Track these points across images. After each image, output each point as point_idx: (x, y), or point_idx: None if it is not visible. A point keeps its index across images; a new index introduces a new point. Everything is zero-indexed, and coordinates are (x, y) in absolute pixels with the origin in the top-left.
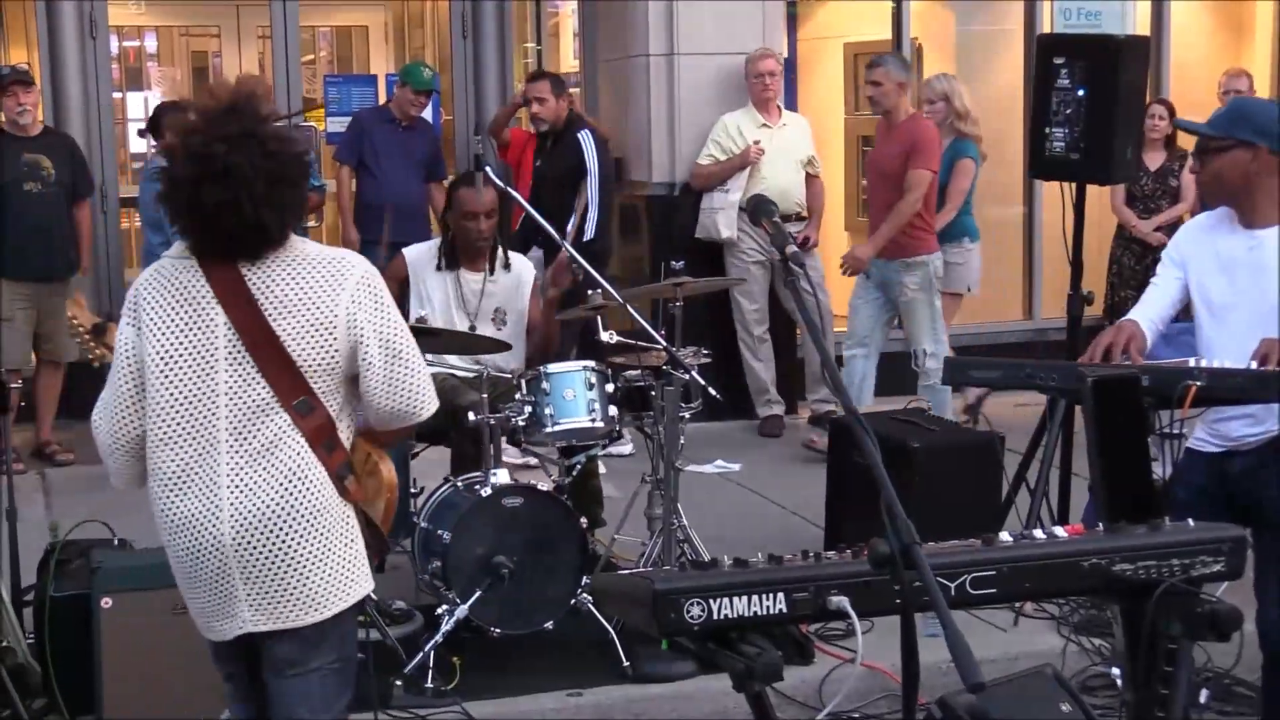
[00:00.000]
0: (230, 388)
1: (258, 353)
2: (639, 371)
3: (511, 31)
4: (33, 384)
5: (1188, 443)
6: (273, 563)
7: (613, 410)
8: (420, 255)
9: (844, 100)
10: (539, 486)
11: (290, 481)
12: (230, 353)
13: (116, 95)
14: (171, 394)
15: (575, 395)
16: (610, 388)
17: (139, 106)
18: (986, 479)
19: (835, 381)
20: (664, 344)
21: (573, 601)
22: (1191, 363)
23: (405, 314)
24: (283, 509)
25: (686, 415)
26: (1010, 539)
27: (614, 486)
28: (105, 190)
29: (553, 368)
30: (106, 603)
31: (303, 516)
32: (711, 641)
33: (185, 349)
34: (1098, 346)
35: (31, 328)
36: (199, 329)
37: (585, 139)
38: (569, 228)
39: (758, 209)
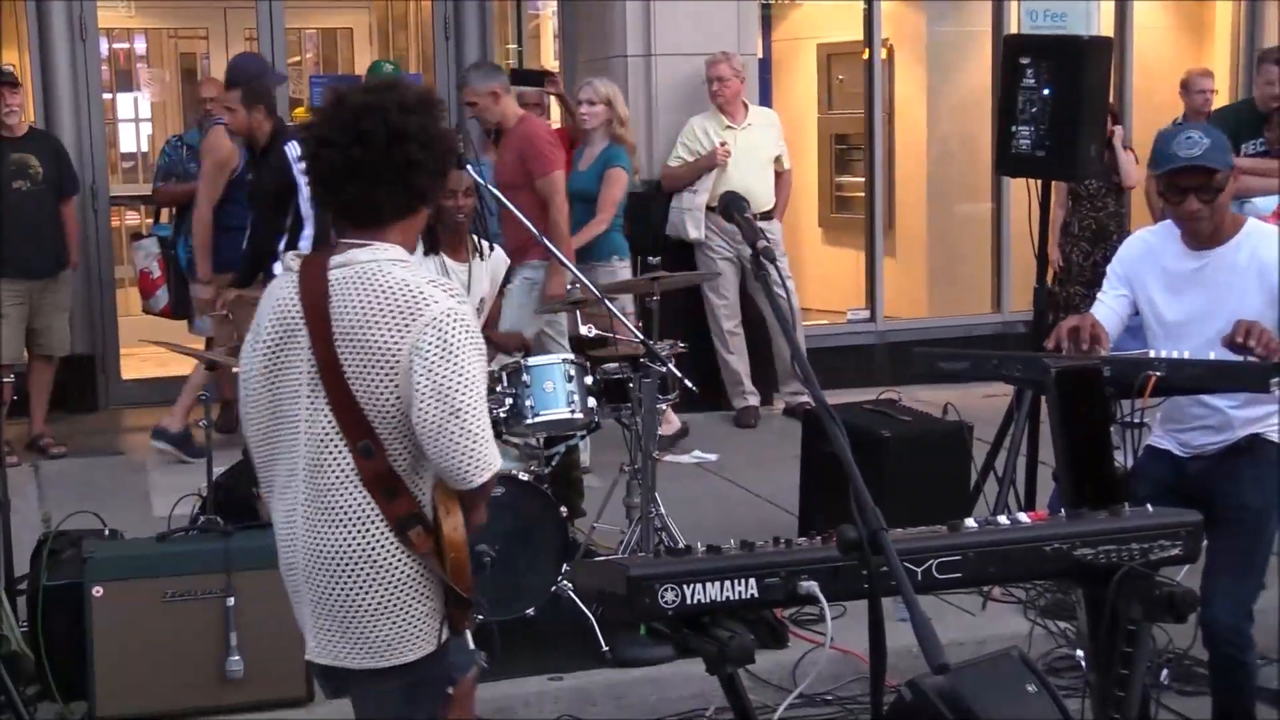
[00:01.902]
0: (308, 416)
1: (328, 385)
2: (617, 364)
3: (493, 33)
4: (25, 378)
5: (1149, 440)
6: (339, 604)
7: (592, 402)
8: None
9: (817, 99)
10: (520, 477)
11: (352, 528)
12: (310, 379)
13: (107, 96)
14: (269, 412)
15: (555, 387)
16: (589, 380)
17: (128, 107)
18: (955, 467)
19: (805, 373)
20: (641, 337)
21: (553, 589)
22: (1151, 354)
23: None
24: (346, 554)
25: (664, 407)
26: (975, 525)
27: (594, 476)
28: (96, 189)
29: (533, 361)
30: (98, 591)
31: (366, 565)
32: (685, 626)
33: (281, 367)
34: (1062, 330)
35: (24, 323)
36: (291, 350)
37: (291, 151)
38: (280, 249)
39: (729, 205)
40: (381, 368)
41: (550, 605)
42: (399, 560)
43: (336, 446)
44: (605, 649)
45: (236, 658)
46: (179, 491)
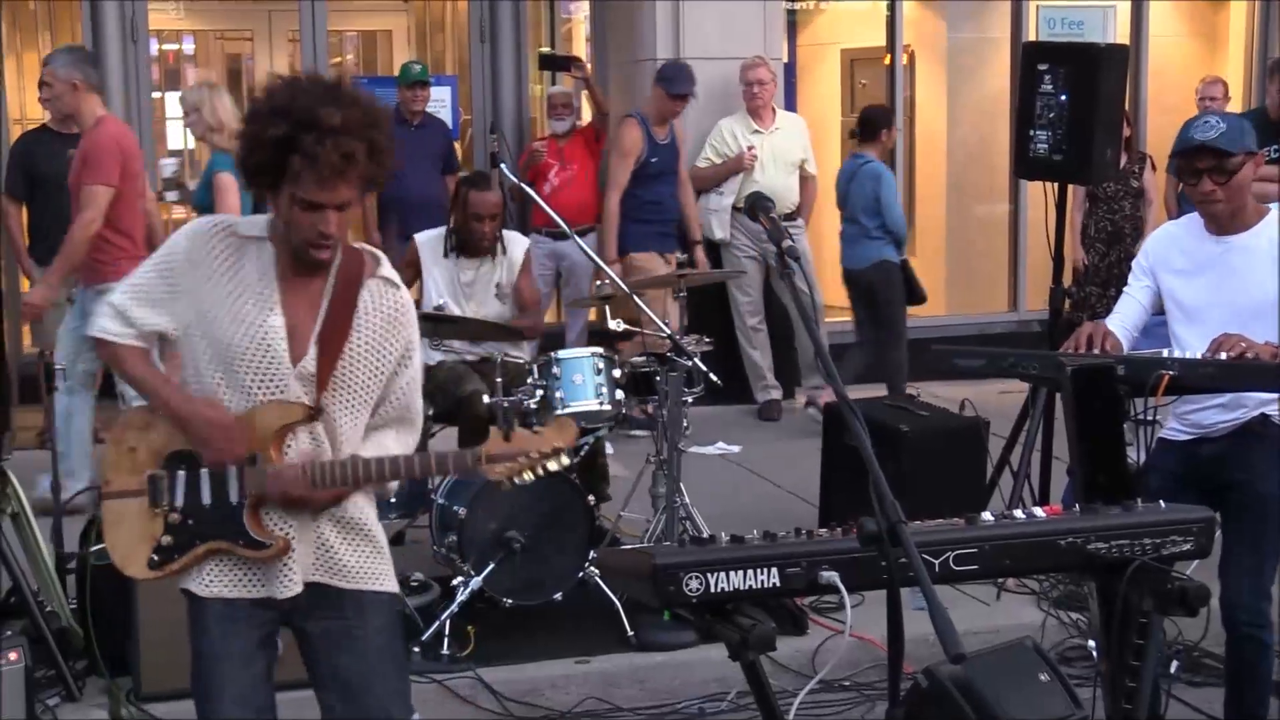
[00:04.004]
0: None
1: None
2: (645, 358)
3: (527, 35)
4: None
5: (1160, 433)
6: None
7: (619, 394)
8: (430, 241)
9: (840, 103)
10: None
11: None
12: None
13: (156, 95)
14: None
15: (584, 380)
16: (617, 373)
17: (176, 106)
18: (972, 462)
19: (828, 368)
20: (668, 332)
21: (580, 574)
22: (1165, 353)
23: (418, 300)
24: None
25: (689, 400)
26: (991, 518)
27: (621, 466)
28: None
29: (563, 354)
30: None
31: None
32: (709, 613)
33: None
34: (1080, 336)
35: None
36: None
37: None
38: None
39: (755, 205)
40: None
41: (577, 590)
42: None
43: None
44: (630, 634)
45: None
46: None
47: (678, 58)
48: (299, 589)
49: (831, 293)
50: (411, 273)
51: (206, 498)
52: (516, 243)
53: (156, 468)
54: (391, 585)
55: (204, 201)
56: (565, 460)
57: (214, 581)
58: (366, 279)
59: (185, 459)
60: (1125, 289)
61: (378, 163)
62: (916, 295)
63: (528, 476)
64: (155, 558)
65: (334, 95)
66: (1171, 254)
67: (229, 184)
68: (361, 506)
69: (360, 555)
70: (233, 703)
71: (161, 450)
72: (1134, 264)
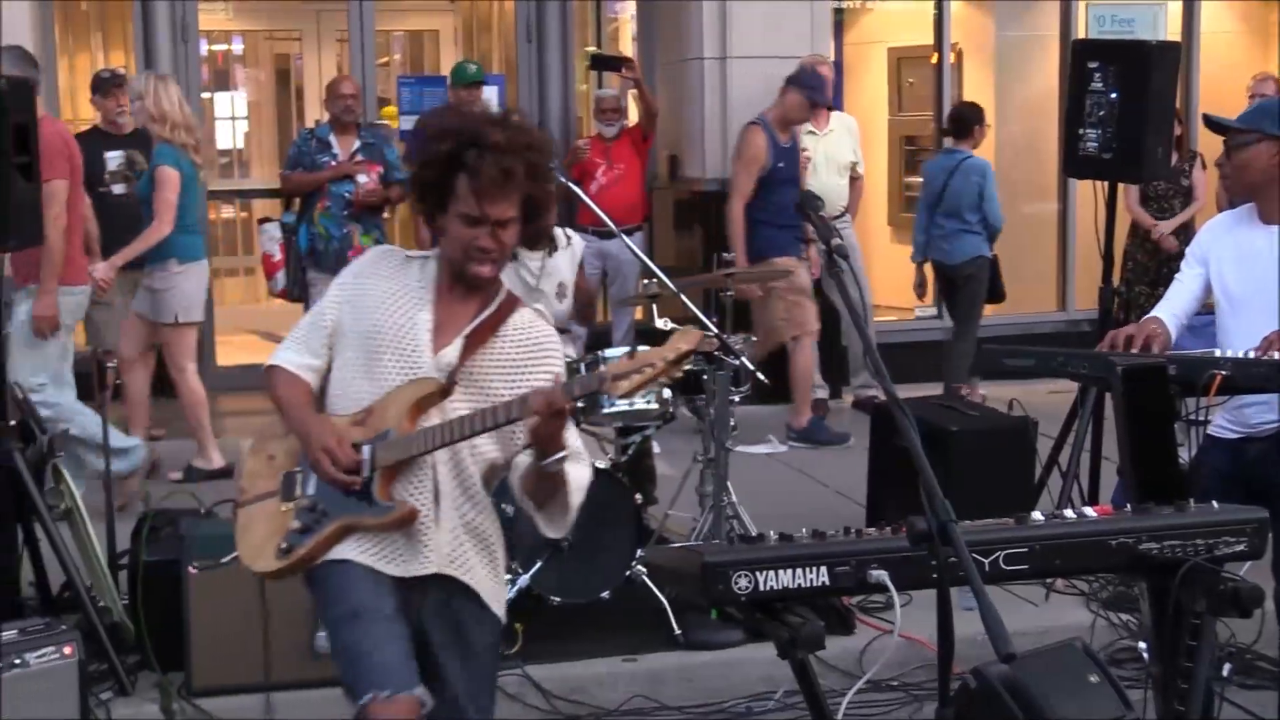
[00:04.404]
0: None
1: None
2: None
3: (574, 35)
4: None
5: (1209, 429)
6: None
7: (667, 393)
8: None
9: (888, 102)
10: (597, 464)
11: None
12: None
13: (205, 95)
14: None
15: None
16: None
17: (226, 106)
18: (1021, 462)
19: (878, 367)
20: (715, 331)
21: (628, 573)
22: (1217, 353)
23: None
24: None
25: (736, 399)
26: (1042, 518)
27: (668, 465)
28: None
29: (610, 353)
30: (194, 569)
31: None
32: (758, 611)
33: None
34: (1118, 336)
35: (129, 312)
36: None
37: None
38: None
39: (805, 204)
40: None
41: (624, 589)
42: None
43: None
44: (677, 632)
45: (324, 634)
46: None
47: (724, 57)
48: (432, 569)
49: (878, 292)
50: None
51: None
52: (577, 242)
53: (294, 467)
54: (503, 613)
55: (147, 193)
56: (688, 366)
57: (350, 551)
58: (520, 307)
59: None
60: (1176, 277)
61: (538, 183)
62: (997, 293)
63: (658, 386)
64: (284, 545)
65: (499, 119)
66: (1223, 241)
67: (169, 177)
68: (497, 532)
69: (487, 572)
70: (395, 655)
71: (297, 450)
72: (1187, 251)
